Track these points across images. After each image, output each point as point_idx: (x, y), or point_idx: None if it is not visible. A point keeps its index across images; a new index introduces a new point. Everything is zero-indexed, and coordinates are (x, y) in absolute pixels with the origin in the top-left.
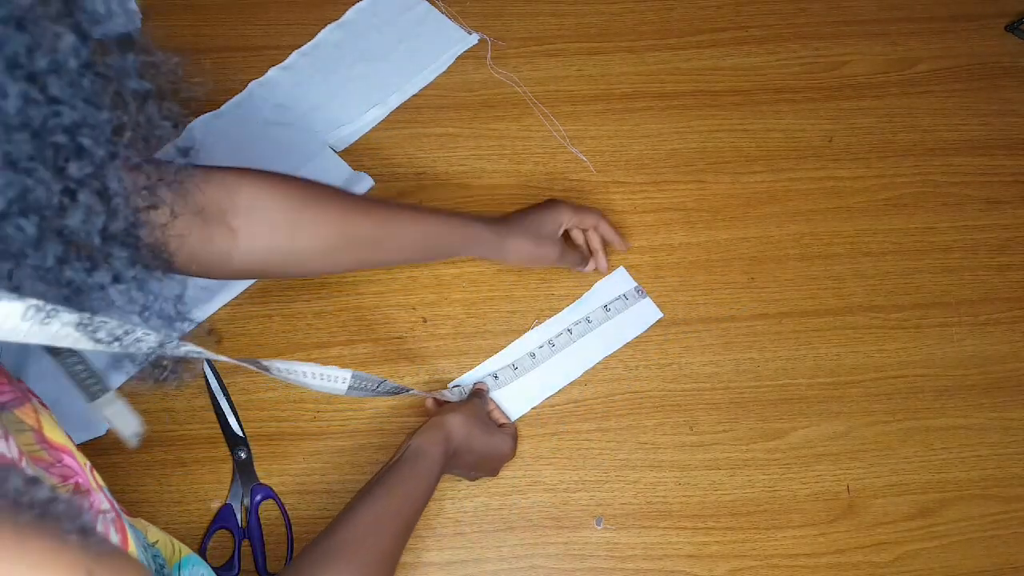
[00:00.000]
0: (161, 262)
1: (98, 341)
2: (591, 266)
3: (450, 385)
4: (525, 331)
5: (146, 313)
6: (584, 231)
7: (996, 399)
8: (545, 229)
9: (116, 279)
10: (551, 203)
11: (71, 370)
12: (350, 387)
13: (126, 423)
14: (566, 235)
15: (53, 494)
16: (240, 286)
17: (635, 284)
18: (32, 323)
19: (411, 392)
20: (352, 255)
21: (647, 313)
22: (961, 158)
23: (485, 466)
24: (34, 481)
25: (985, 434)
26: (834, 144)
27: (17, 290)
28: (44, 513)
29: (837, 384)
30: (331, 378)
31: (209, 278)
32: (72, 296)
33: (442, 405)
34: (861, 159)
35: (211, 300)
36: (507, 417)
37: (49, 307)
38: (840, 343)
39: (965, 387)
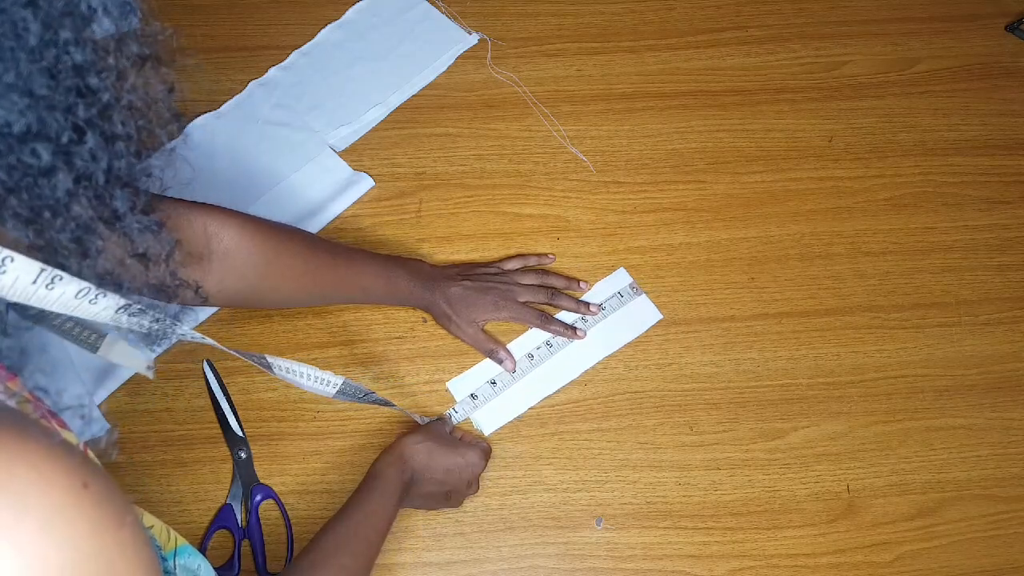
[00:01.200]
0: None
1: (99, 311)
2: (509, 365)
3: (448, 384)
4: (524, 331)
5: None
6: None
7: (996, 399)
8: (473, 314)
9: (118, 218)
10: (495, 295)
11: (63, 329)
12: (339, 391)
13: (135, 359)
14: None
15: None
16: None
17: (632, 282)
18: (39, 287)
19: (394, 407)
20: (314, 295)
21: (646, 314)
22: (961, 158)
23: (453, 485)
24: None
25: (985, 434)
26: (834, 144)
27: (27, 223)
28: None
29: (837, 384)
30: (324, 381)
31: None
32: (75, 239)
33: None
34: (861, 159)
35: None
36: (479, 435)
37: (55, 273)
38: (840, 343)
39: (965, 387)
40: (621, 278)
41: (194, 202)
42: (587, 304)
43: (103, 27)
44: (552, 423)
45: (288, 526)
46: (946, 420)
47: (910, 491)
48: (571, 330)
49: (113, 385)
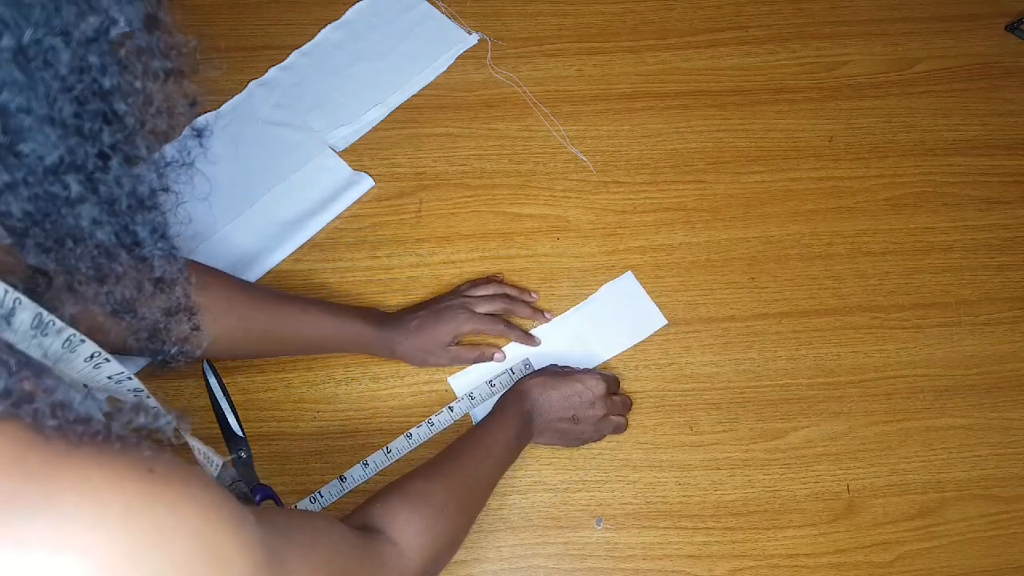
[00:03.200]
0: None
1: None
2: (499, 355)
3: (449, 379)
4: (532, 329)
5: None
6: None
7: (996, 399)
8: (438, 337)
9: (138, 243)
10: (451, 311)
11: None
12: (218, 476)
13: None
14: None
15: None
16: None
17: (641, 289)
18: (37, 332)
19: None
20: (251, 346)
21: (651, 319)
22: (961, 158)
23: (576, 408)
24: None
25: (985, 434)
26: (834, 144)
27: (47, 252)
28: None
29: (837, 384)
30: (209, 460)
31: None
32: (95, 266)
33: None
34: (861, 159)
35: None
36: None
37: (48, 318)
38: (840, 343)
39: (965, 387)
40: (627, 281)
41: None
42: (542, 312)
43: (132, 46)
44: None
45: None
46: (946, 420)
47: (910, 491)
48: (530, 337)
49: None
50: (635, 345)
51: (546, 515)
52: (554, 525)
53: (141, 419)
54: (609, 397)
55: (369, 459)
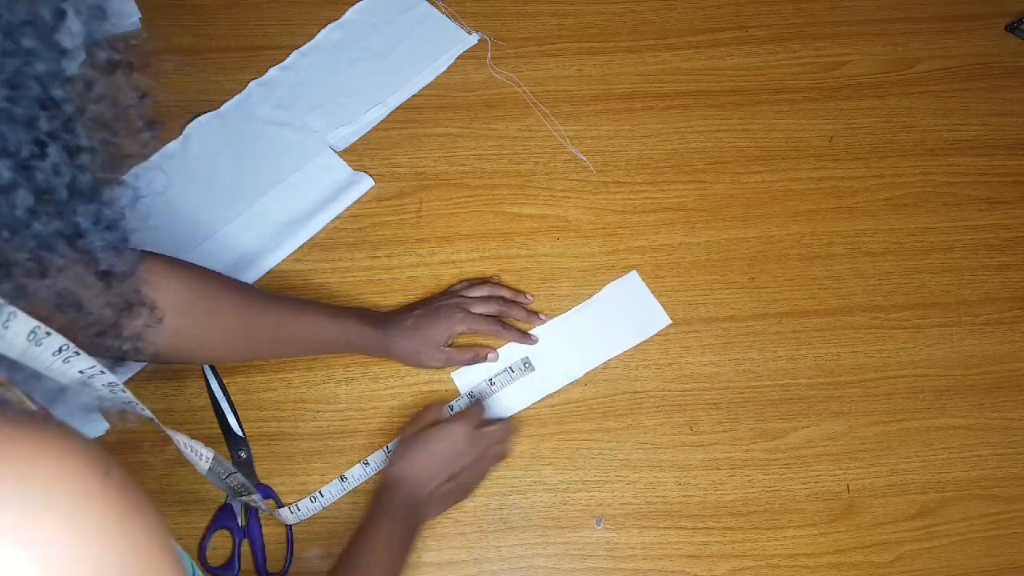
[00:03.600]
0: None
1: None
2: (492, 356)
3: (453, 374)
4: (528, 330)
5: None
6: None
7: (996, 399)
8: (433, 337)
9: (80, 234)
10: (446, 311)
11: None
12: (210, 469)
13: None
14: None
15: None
16: None
17: (646, 288)
18: None
19: (254, 498)
20: (249, 349)
21: (655, 318)
22: (961, 158)
23: (450, 467)
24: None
25: (985, 434)
26: (834, 144)
27: None
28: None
29: (837, 384)
30: (197, 453)
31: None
32: (34, 258)
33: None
34: (861, 159)
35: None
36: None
37: (9, 310)
38: (840, 343)
39: (965, 387)
40: (632, 280)
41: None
42: (537, 314)
43: (72, 33)
44: (552, 423)
45: (288, 526)
46: (946, 420)
47: (910, 491)
48: (527, 336)
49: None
50: (637, 345)
51: (546, 515)
52: (554, 525)
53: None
54: (477, 431)
55: (369, 459)
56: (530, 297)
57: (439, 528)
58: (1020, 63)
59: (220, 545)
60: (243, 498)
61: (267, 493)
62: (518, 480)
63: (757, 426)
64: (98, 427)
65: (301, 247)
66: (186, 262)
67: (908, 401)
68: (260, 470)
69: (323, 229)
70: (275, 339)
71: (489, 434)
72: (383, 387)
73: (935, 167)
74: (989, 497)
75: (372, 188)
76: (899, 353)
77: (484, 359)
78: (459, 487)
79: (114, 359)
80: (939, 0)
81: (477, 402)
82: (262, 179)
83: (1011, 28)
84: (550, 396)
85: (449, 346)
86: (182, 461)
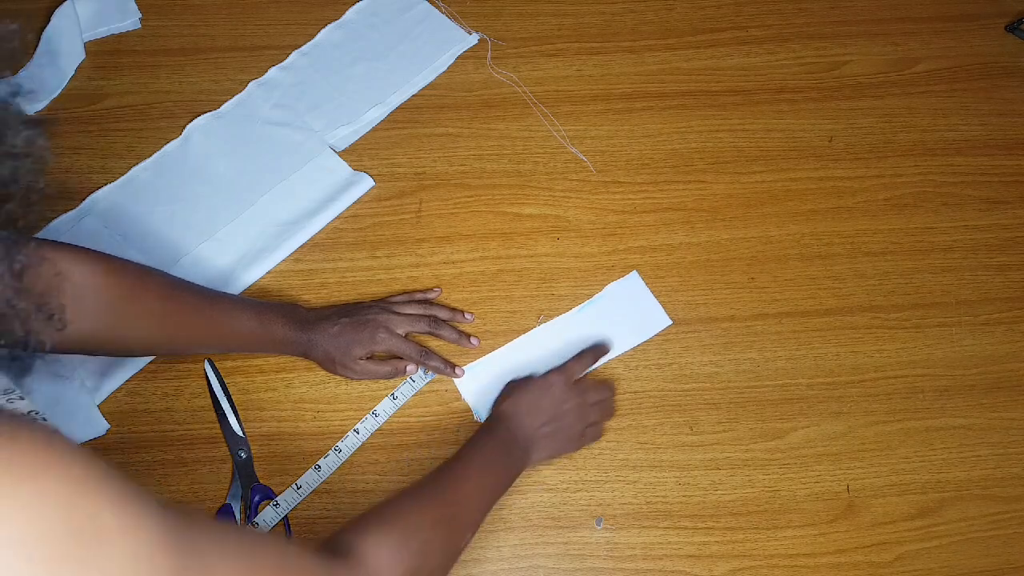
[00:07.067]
0: None
1: None
2: (411, 369)
3: (466, 367)
4: (526, 331)
5: None
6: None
7: (996, 399)
8: (352, 351)
9: None
10: (371, 328)
11: None
12: None
13: None
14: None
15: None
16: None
17: (646, 289)
18: None
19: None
20: (174, 343)
21: (655, 319)
22: (961, 158)
23: (554, 411)
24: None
25: (985, 434)
26: (834, 144)
27: None
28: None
29: (837, 384)
30: None
31: None
32: None
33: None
34: (861, 159)
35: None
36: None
37: None
38: (840, 343)
39: (965, 387)
40: (633, 281)
41: (44, 240)
42: (468, 336)
43: None
44: None
45: (288, 526)
46: (946, 420)
47: (910, 491)
48: (450, 367)
49: (113, 385)
50: (636, 346)
51: (546, 515)
52: (554, 525)
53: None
54: (576, 386)
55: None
56: (469, 316)
57: None
58: (1020, 63)
59: None
60: None
61: (267, 493)
62: (518, 480)
63: (757, 426)
64: (98, 427)
65: (301, 247)
66: (102, 253)
67: (908, 401)
68: (260, 470)
69: (323, 229)
70: (200, 337)
71: (585, 387)
72: (383, 387)
73: (935, 167)
74: (989, 497)
75: (372, 188)
76: (899, 353)
77: (403, 372)
78: (561, 431)
79: (11, 347)
80: (939, 0)
81: (579, 357)
82: (262, 179)
83: (1011, 28)
84: None
85: (365, 360)
86: (182, 460)
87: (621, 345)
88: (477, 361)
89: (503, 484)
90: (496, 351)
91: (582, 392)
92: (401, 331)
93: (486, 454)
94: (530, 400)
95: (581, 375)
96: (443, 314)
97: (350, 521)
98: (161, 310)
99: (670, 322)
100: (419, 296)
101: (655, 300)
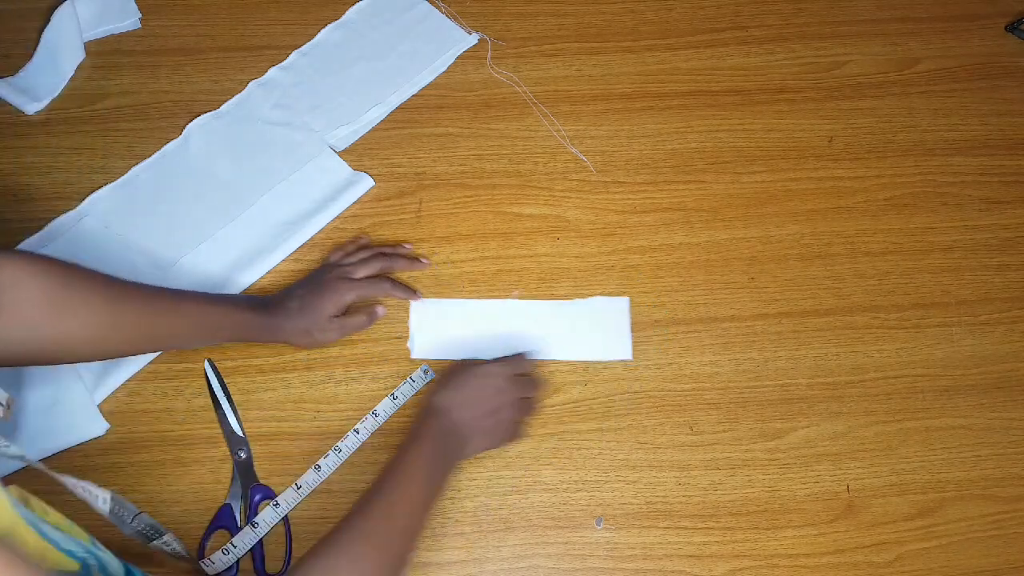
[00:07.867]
0: None
1: None
2: (381, 310)
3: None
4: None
5: None
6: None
7: (996, 399)
8: (323, 312)
9: None
10: (331, 284)
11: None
12: (111, 510)
13: None
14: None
15: None
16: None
17: (627, 317)
18: None
19: (165, 539)
20: (121, 341)
21: (621, 347)
22: (961, 158)
23: (492, 401)
24: None
25: (985, 434)
26: (834, 144)
27: None
28: None
29: (837, 384)
30: (92, 494)
31: None
32: None
33: None
34: (861, 159)
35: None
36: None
37: None
38: (840, 343)
39: (965, 387)
40: (619, 304)
41: None
42: (418, 258)
43: None
44: (552, 423)
45: (287, 526)
46: (946, 420)
47: (910, 491)
48: (412, 292)
49: (113, 385)
50: (633, 340)
51: (546, 515)
52: (554, 525)
53: None
54: (515, 376)
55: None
56: (408, 246)
57: (439, 528)
58: (1020, 63)
59: (219, 545)
60: (156, 543)
61: (267, 493)
62: (518, 480)
63: (757, 426)
64: (98, 427)
65: (301, 247)
66: (43, 256)
67: (908, 401)
68: (260, 470)
69: (323, 229)
70: (149, 333)
71: (525, 382)
72: (383, 387)
73: (935, 167)
74: (989, 497)
75: (372, 188)
76: (899, 353)
77: (378, 316)
78: (499, 425)
79: None
80: (939, 0)
81: (518, 354)
82: (262, 179)
83: (1011, 28)
84: (549, 396)
85: (340, 317)
86: (182, 461)
87: (575, 353)
88: (435, 299)
89: (442, 481)
90: (458, 299)
91: (520, 385)
92: (359, 276)
93: (431, 455)
94: (468, 392)
95: (519, 368)
96: (387, 249)
97: (296, 564)
98: (105, 318)
99: (630, 357)
100: (360, 242)
101: (628, 331)
